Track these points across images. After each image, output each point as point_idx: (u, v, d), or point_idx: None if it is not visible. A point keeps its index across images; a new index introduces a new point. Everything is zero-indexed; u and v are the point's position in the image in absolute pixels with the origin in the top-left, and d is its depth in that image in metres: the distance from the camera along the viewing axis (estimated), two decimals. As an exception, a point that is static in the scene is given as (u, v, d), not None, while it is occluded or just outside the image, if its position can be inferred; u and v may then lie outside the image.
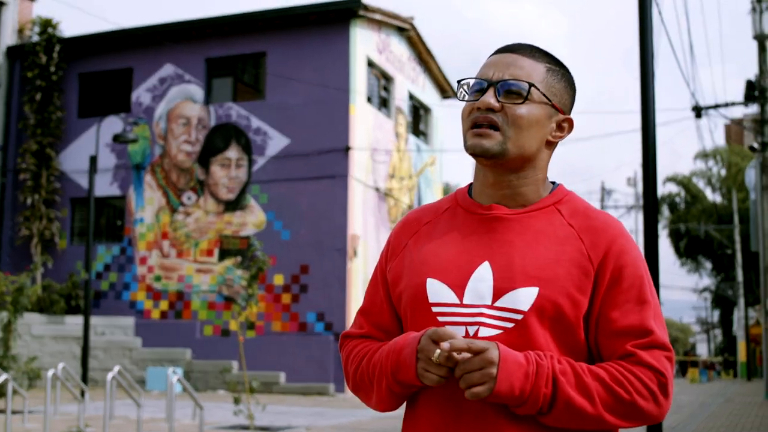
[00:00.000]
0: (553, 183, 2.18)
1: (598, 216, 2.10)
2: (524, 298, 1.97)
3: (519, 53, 2.12)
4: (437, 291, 2.05)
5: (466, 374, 1.89)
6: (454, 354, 1.88)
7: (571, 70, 2.19)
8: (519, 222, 2.08)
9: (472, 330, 1.99)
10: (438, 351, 1.89)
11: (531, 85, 2.06)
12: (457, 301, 2.02)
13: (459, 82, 2.16)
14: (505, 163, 2.07)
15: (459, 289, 2.03)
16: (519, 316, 1.97)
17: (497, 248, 2.05)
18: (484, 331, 1.98)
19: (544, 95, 2.08)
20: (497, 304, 1.99)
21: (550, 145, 2.14)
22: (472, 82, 2.13)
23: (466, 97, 2.13)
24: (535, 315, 1.97)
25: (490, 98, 2.05)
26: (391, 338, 2.17)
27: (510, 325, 1.97)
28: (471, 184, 2.22)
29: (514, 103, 2.05)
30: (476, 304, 2.00)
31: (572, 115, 2.17)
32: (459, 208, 2.18)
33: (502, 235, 2.06)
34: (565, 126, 2.15)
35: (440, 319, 2.02)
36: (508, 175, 2.10)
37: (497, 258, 2.03)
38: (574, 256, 2.02)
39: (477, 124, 2.07)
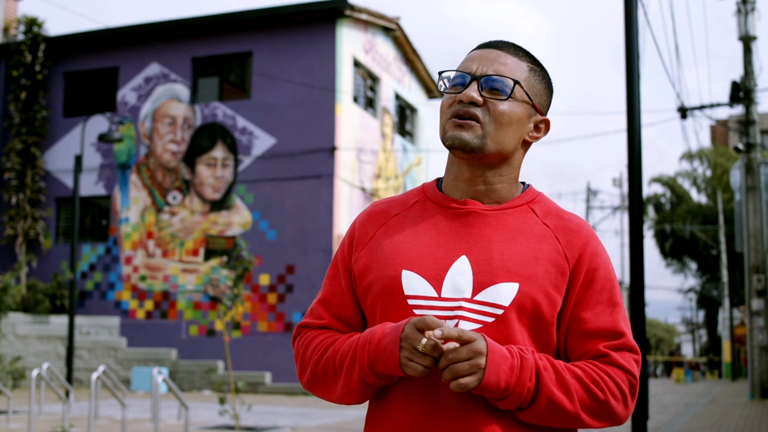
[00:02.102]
0: (523, 183, 2.18)
1: (571, 217, 2.12)
2: (505, 293, 1.97)
3: (503, 50, 2.10)
4: (413, 283, 2.02)
5: (453, 365, 1.86)
6: (440, 343, 1.86)
7: (553, 71, 2.19)
8: (495, 218, 2.07)
9: (451, 324, 1.96)
10: (424, 340, 1.86)
11: (516, 82, 2.05)
12: (435, 294, 2.00)
13: (440, 74, 2.14)
14: (483, 158, 2.06)
15: (436, 282, 2.01)
16: (499, 311, 1.97)
17: (474, 243, 2.04)
18: (463, 325, 1.96)
19: (526, 94, 2.07)
20: (477, 297, 1.98)
21: (526, 144, 2.14)
22: (453, 74, 2.11)
23: (447, 90, 2.11)
24: (515, 311, 1.97)
25: (472, 92, 2.04)
26: (352, 330, 2.15)
27: (490, 319, 1.96)
28: (439, 179, 2.21)
29: (498, 99, 2.04)
30: (455, 298, 1.99)
31: (557, 116, 2.17)
32: (429, 201, 2.15)
33: (479, 230, 2.05)
34: (542, 127, 2.15)
35: (417, 312, 1.99)
36: (484, 171, 2.09)
37: (475, 252, 2.02)
38: (551, 254, 2.03)
39: (458, 115, 2.05)
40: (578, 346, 2.03)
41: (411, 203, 2.19)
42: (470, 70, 2.07)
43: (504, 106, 2.04)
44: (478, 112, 2.04)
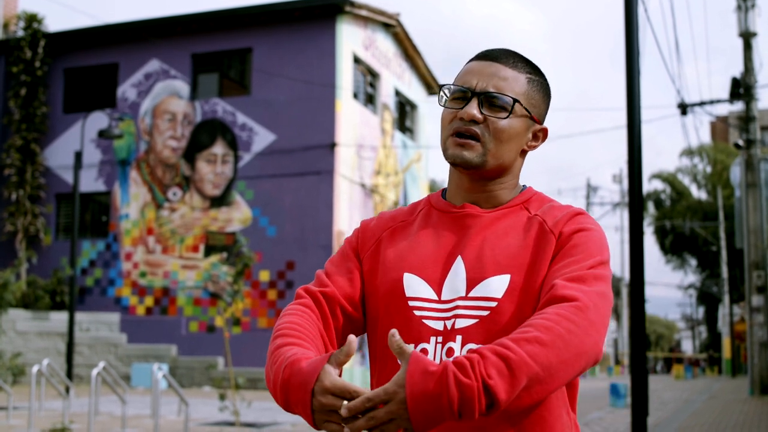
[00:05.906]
0: (523, 186, 2.21)
1: (562, 206, 2.12)
2: (496, 285, 1.99)
3: (501, 62, 2.11)
4: (414, 286, 2.05)
5: (379, 427, 1.73)
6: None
7: (550, 68, 2.19)
8: (490, 219, 2.10)
9: (449, 324, 1.99)
10: (344, 410, 1.71)
11: (515, 100, 2.07)
12: (435, 297, 2.03)
13: (441, 87, 2.16)
14: (484, 173, 2.10)
15: (436, 286, 2.04)
16: (493, 304, 1.98)
17: (469, 243, 2.07)
18: (460, 323, 1.98)
19: (525, 109, 2.09)
20: (471, 294, 2.00)
21: (524, 152, 2.17)
22: (453, 87, 2.13)
23: (447, 103, 2.13)
24: (509, 301, 1.98)
25: (473, 110, 2.06)
26: (347, 309, 2.11)
27: (485, 313, 1.98)
28: (444, 189, 2.24)
29: (497, 117, 2.06)
30: (453, 299, 2.01)
31: (555, 113, 2.18)
32: (433, 209, 2.20)
33: (475, 232, 2.09)
34: (540, 135, 2.17)
35: (417, 313, 2.02)
36: (485, 181, 2.13)
37: (469, 252, 2.05)
38: (537, 233, 2.04)
39: (458, 133, 2.07)
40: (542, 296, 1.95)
41: (417, 211, 2.23)
42: (470, 85, 2.09)
43: (504, 123, 2.07)
44: (478, 129, 2.06)
